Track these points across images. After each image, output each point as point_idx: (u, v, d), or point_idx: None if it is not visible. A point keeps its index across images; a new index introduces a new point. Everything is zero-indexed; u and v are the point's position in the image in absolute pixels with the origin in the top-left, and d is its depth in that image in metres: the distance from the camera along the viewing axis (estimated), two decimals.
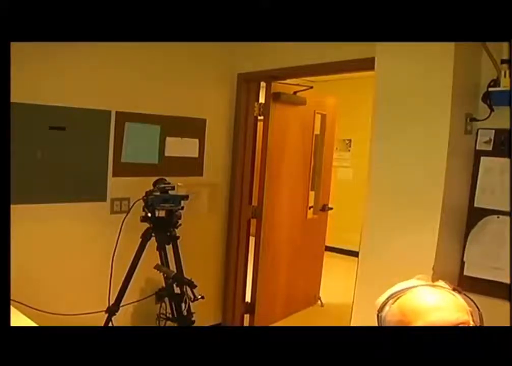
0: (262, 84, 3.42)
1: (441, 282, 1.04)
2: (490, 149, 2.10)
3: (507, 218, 2.02)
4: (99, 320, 2.57)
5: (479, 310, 1.02)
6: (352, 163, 6.20)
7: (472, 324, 0.96)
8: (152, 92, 2.94)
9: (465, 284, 2.04)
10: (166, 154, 3.05)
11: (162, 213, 2.65)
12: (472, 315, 0.98)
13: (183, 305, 2.57)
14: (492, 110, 2.05)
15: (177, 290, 2.55)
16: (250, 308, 3.57)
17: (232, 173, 3.44)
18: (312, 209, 4.06)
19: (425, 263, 2.00)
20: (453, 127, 1.99)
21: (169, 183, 2.68)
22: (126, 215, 2.64)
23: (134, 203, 2.67)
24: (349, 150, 6.32)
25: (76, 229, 2.71)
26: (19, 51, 1.75)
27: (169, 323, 2.72)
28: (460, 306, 0.98)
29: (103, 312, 2.59)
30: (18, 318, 1.83)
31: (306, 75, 3.69)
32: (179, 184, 2.90)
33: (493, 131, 2.09)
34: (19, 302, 2.07)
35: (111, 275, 2.58)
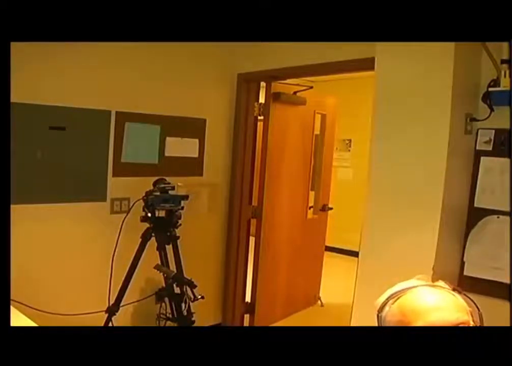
0: (262, 84, 3.42)
1: (440, 283, 1.04)
2: (490, 149, 2.10)
3: (507, 218, 2.02)
4: (99, 320, 2.57)
5: (479, 310, 1.02)
6: (352, 163, 6.20)
7: (472, 324, 0.96)
8: (152, 92, 2.94)
9: (465, 284, 2.04)
10: (166, 154, 3.05)
11: (162, 213, 2.65)
12: (472, 315, 0.98)
13: (183, 305, 2.57)
14: (492, 110, 2.05)
15: (177, 290, 2.55)
16: (250, 308, 3.57)
17: (232, 173, 3.44)
18: (312, 209, 4.06)
19: (425, 263, 2.00)
20: (453, 127, 1.99)
21: (169, 183, 2.68)
22: (126, 215, 2.64)
23: (134, 203, 2.67)
24: (349, 150, 6.32)
25: (76, 229, 2.71)
26: (19, 51, 1.75)
27: (169, 323, 2.72)
28: (460, 306, 0.98)
29: (103, 312, 2.59)
30: (18, 318, 1.83)
31: (306, 75, 3.69)
32: (179, 184, 2.90)
33: (493, 131, 2.09)
34: (19, 302, 2.08)
35: (111, 275, 2.58)
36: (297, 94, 3.63)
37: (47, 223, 2.59)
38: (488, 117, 2.06)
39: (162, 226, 2.64)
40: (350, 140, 6.29)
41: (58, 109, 2.55)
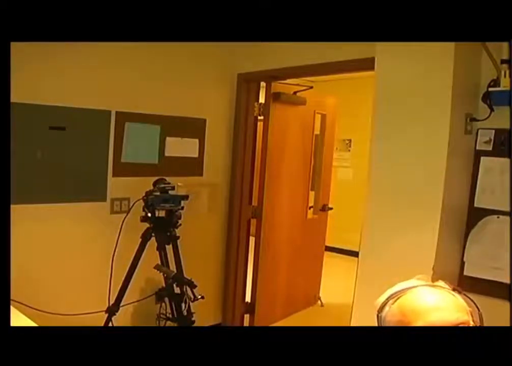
0: (262, 84, 3.42)
1: (440, 283, 1.04)
2: (490, 149, 2.10)
3: (507, 218, 2.02)
4: (99, 320, 2.57)
5: (479, 310, 1.02)
6: (352, 163, 6.20)
7: (471, 324, 0.96)
8: (152, 92, 2.94)
9: (465, 284, 2.04)
10: (166, 154, 3.05)
11: (162, 213, 2.65)
12: (472, 316, 0.98)
13: (183, 305, 2.57)
14: (492, 110, 2.05)
15: (177, 290, 2.55)
16: (250, 308, 3.57)
17: (232, 173, 3.44)
18: (312, 209, 4.06)
19: (425, 263, 2.00)
20: (453, 127, 1.99)
21: (169, 183, 2.68)
22: (126, 215, 2.64)
23: (134, 203, 2.67)
24: (349, 150, 6.32)
25: (76, 229, 2.71)
26: (19, 51, 1.75)
27: (169, 323, 2.72)
28: (460, 306, 0.98)
29: (103, 312, 2.59)
30: (18, 318, 1.83)
31: (306, 75, 3.69)
32: (179, 184, 2.90)
33: (493, 131, 2.09)
34: (19, 302, 2.08)
35: (111, 275, 2.58)
36: (298, 94, 3.63)
37: (47, 223, 2.59)
38: (488, 117, 2.06)
39: (162, 226, 2.64)
40: (350, 140, 6.29)
41: (58, 109, 2.55)
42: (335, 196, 4.62)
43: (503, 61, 1.99)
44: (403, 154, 2.13)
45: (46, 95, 2.51)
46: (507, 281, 1.99)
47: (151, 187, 2.65)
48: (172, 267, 2.64)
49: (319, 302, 4.28)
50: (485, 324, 1.01)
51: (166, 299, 2.68)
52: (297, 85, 3.66)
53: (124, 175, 2.87)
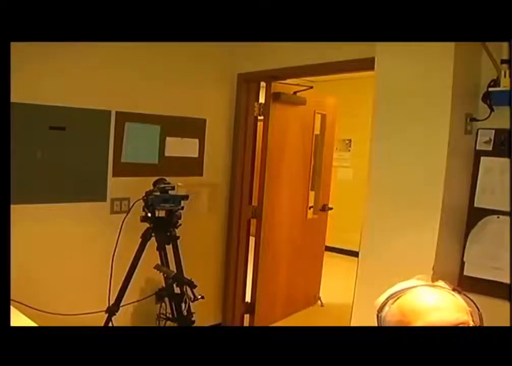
0: (262, 84, 3.42)
1: (440, 283, 1.04)
2: (490, 149, 2.10)
3: (507, 218, 2.02)
4: (99, 320, 2.57)
5: (478, 310, 1.02)
6: (352, 163, 6.20)
7: (471, 324, 0.96)
8: (152, 92, 2.94)
9: (465, 284, 2.04)
10: (166, 154, 3.05)
11: (162, 213, 2.65)
12: (472, 316, 0.98)
13: (183, 305, 2.57)
14: (492, 110, 2.05)
15: (177, 290, 2.55)
16: (250, 308, 3.57)
17: (232, 173, 3.44)
18: (312, 209, 4.06)
19: (425, 263, 2.00)
20: (453, 127, 1.99)
21: (169, 183, 2.68)
22: (126, 215, 2.64)
23: (134, 203, 2.67)
24: (349, 150, 6.32)
25: (76, 229, 2.71)
26: (19, 51, 1.75)
27: (169, 323, 2.72)
28: (460, 306, 0.98)
29: (103, 312, 2.59)
30: (18, 318, 1.83)
31: (306, 75, 3.69)
32: (179, 184, 2.90)
33: (493, 131, 2.08)
34: (19, 302, 2.08)
35: (111, 275, 2.58)
36: (298, 94, 3.63)
37: (47, 223, 2.59)
38: (488, 117, 2.06)
39: (162, 226, 2.64)
40: (350, 140, 6.29)
41: (58, 109, 2.55)
42: (335, 196, 4.62)
43: (503, 61, 1.99)
44: (403, 154, 2.13)
45: (46, 95, 2.51)
46: (507, 281, 1.99)
47: (151, 187, 2.65)
48: (172, 267, 2.64)
49: (319, 302, 4.28)
50: (485, 324, 1.01)
51: (166, 299, 2.68)
52: (297, 85, 3.66)
53: (124, 175, 2.87)
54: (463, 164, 2.14)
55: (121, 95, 2.81)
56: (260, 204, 3.48)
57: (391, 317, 1.00)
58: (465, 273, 2.16)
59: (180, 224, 2.72)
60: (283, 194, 3.70)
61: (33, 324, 1.82)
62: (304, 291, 4.13)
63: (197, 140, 3.23)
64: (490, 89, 2.03)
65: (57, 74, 2.54)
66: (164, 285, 2.62)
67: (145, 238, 2.63)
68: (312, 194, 4.09)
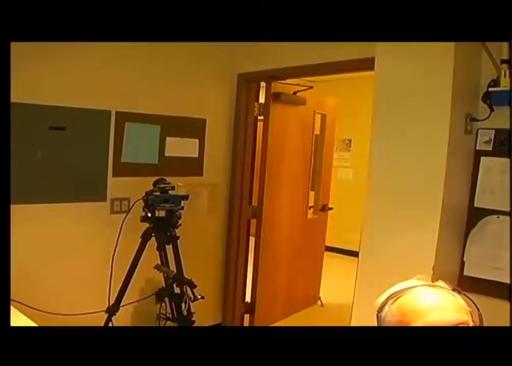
0: (262, 84, 3.42)
1: (440, 283, 1.04)
2: (490, 149, 2.10)
3: (507, 218, 2.02)
4: (99, 320, 2.57)
5: (478, 310, 1.02)
6: (352, 163, 6.20)
7: (471, 324, 0.96)
8: (152, 92, 2.94)
9: (465, 284, 2.04)
10: (166, 154, 3.05)
11: (162, 213, 2.65)
12: (472, 316, 0.98)
13: (183, 305, 2.57)
14: (492, 110, 2.05)
15: (177, 290, 2.55)
16: (250, 308, 3.57)
17: (232, 173, 3.44)
18: (312, 209, 4.06)
19: (425, 263, 2.00)
20: (453, 127, 1.99)
21: (169, 183, 2.68)
22: (126, 215, 2.64)
23: (134, 203, 2.67)
24: (349, 150, 6.32)
25: (76, 229, 2.71)
26: (19, 51, 1.75)
27: (169, 323, 2.72)
28: (460, 306, 0.98)
29: (103, 312, 2.59)
30: (18, 318, 1.83)
31: (306, 75, 3.69)
32: (179, 184, 2.90)
33: (493, 131, 2.08)
34: (19, 302, 2.08)
35: (111, 275, 2.58)
36: (297, 94, 3.63)
37: (47, 223, 2.59)
38: (488, 117, 2.06)
39: (162, 226, 2.64)
40: (350, 140, 6.29)
41: (58, 109, 2.55)
42: (335, 196, 4.62)
43: (503, 61, 1.99)
44: (403, 154, 2.13)
45: (46, 95, 2.51)
46: (507, 281, 1.99)
47: (151, 187, 2.65)
48: (172, 267, 2.64)
49: (319, 302, 4.28)
50: (485, 324, 1.01)
51: (166, 299, 2.68)
52: (297, 85, 3.66)
53: (124, 175, 2.87)
54: (463, 164, 2.14)
55: (121, 95, 2.81)
56: (260, 204, 3.48)
57: (391, 317, 1.00)
58: (465, 273, 2.16)
59: (180, 224, 2.72)
60: (283, 194, 3.70)
61: (33, 324, 1.82)
62: (304, 291, 4.13)
63: (197, 140, 3.23)
64: (490, 89, 2.03)
65: (57, 74, 2.54)
66: (164, 285, 2.62)
67: (145, 238, 2.63)
68: (312, 194, 4.09)
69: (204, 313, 3.02)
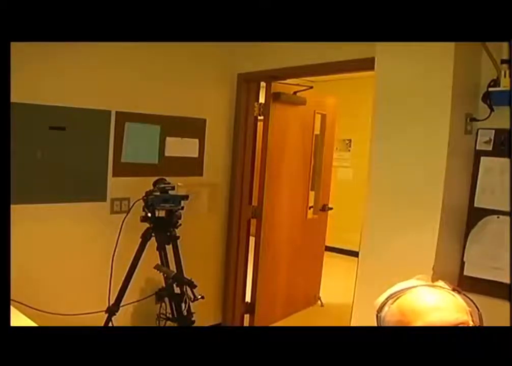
0: (262, 84, 3.42)
1: (440, 283, 1.04)
2: (490, 149, 2.10)
3: (507, 218, 2.02)
4: (99, 320, 2.57)
5: (478, 310, 1.02)
6: (352, 163, 6.20)
7: (471, 324, 0.96)
8: (152, 92, 2.94)
9: (465, 284, 2.04)
10: (166, 154, 3.05)
11: (162, 213, 2.65)
12: (472, 316, 0.98)
13: (183, 305, 2.57)
14: (492, 110, 2.05)
15: (177, 290, 2.55)
16: (250, 308, 3.57)
17: (232, 173, 3.44)
18: (312, 209, 4.06)
19: (425, 263, 2.00)
20: (453, 127, 1.99)
21: (169, 183, 2.68)
22: (126, 215, 2.64)
23: (134, 203, 2.67)
24: (349, 150, 6.32)
25: (76, 229, 2.71)
26: (19, 51, 1.75)
27: (169, 323, 2.72)
28: (460, 306, 0.98)
29: (103, 312, 2.59)
30: (18, 318, 1.83)
31: (306, 75, 3.69)
32: (179, 184, 2.90)
33: (493, 131, 2.08)
34: (19, 302, 2.08)
35: (111, 275, 2.58)
36: (297, 94, 3.63)
37: (47, 223, 2.59)
38: (488, 117, 2.06)
39: (162, 226, 2.64)
40: (350, 140, 6.29)
41: (58, 109, 2.55)
42: (335, 196, 4.62)
43: (503, 61, 1.99)
44: (403, 154, 2.13)
45: (46, 95, 2.51)
46: (507, 281, 1.99)
47: (151, 187, 2.65)
48: (172, 267, 2.64)
49: (319, 302, 4.28)
50: (485, 324, 1.01)
51: (166, 299, 2.68)
52: (298, 85, 3.66)
53: (124, 175, 2.87)
54: (463, 164, 2.14)
55: (121, 95, 2.81)
56: (260, 204, 3.48)
57: (391, 317, 1.00)
58: (465, 273, 2.16)
59: (180, 224, 2.72)
60: (283, 194, 3.70)
61: (33, 324, 1.82)
62: (304, 291, 4.13)
63: (197, 140, 3.23)
64: (490, 89, 2.03)
65: (57, 74, 2.54)
66: (164, 285, 2.62)
67: (145, 238, 2.63)
68: (312, 194, 4.09)
69: (204, 313, 3.02)
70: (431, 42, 1.75)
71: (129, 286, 2.61)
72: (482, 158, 2.12)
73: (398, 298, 1.01)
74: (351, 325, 2.30)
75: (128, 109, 2.84)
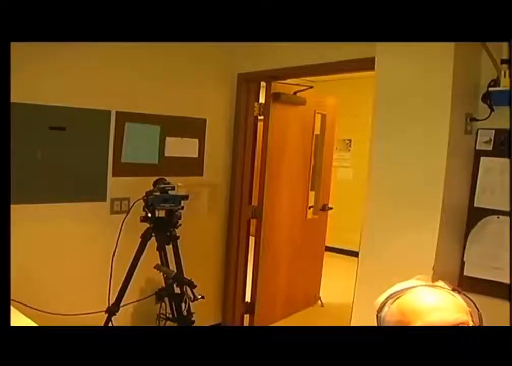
0: (262, 84, 3.42)
1: (440, 283, 1.04)
2: (490, 149, 2.10)
3: (507, 218, 2.02)
4: (99, 320, 2.57)
5: (478, 310, 1.02)
6: (352, 163, 6.20)
7: (471, 324, 0.96)
8: (152, 92, 2.94)
9: (465, 284, 2.04)
10: (166, 154, 3.05)
11: (162, 213, 2.65)
12: (472, 316, 0.98)
13: (183, 305, 2.57)
14: (492, 110, 2.05)
15: (177, 290, 2.55)
16: (250, 308, 3.57)
17: (232, 173, 3.44)
18: (312, 209, 4.06)
19: (425, 263, 2.00)
20: (453, 127, 1.99)
21: (169, 183, 2.68)
22: (126, 215, 2.64)
23: (134, 203, 2.67)
24: (349, 150, 6.32)
25: (76, 229, 2.71)
26: (19, 51, 1.75)
27: (169, 323, 2.72)
28: (460, 306, 0.98)
29: (103, 312, 2.59)
30: (18, 318, 1.83)
31: (306, 75, 3.69)
32: (179, 184, 2.90)
33: (493, 131, 2.08)
34: (19, 302, 2.08)
35: (111, 275, 2.58)
36: (298, 94, 3.63)
37: (47, 223, 2.59)
38: (488, 117, 2.06)
39: (162, 226, 2.64)
40: (350, 140, 6.29)
41: (58, 109, 2.55)
42: (335, 196, 4.62)
43: (503, 61, 1.99)
44: (403, 154, 2.13)
45: (46, 95, 2.51)
46: (507, 281, 1.99)
47: (151, 187, 2.65)
48: (172, 267, 2.64)
49: (319, 302, 4.28)
50: (485, 324, 1.01)
51: (166, 299, 2.68)
52: (298, 85, 3.66)
53: (124, 175, 2.87)
54: (463, 164, 2.14)
55: (121, 95, 2.81)
56: (260, 204, 3.48)
57: (391, 317, 1.00)
58: (465, 273, 2.16)
59: (180, 224, 2.72)
60: (283, 194, 3.70)
61: (33, 324, 1.82)
62: (304, 291, 4.13)
63: (197, 140, 3.23)
64: (490, 89, 2.03)
65: (57, 74, 2.54)
66: (164, 285, 2.62)
67: (145, 238, 2.63)
68: (312, 194, 4.09)
69: (204, 313, 3.02)
70: (431, 42, 1.75)
71: (129, 286, 2.61)
72: (482, 158, 2.12)
73: (398, 298, 1.01)
74: (351, 325, 2.30)
75: (128, 109, 2.84)
